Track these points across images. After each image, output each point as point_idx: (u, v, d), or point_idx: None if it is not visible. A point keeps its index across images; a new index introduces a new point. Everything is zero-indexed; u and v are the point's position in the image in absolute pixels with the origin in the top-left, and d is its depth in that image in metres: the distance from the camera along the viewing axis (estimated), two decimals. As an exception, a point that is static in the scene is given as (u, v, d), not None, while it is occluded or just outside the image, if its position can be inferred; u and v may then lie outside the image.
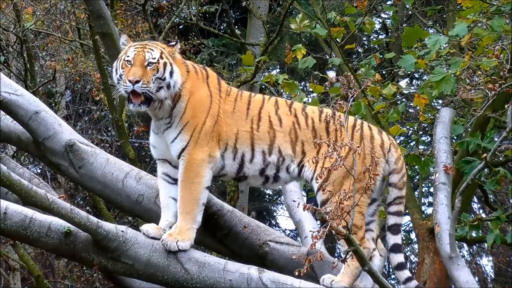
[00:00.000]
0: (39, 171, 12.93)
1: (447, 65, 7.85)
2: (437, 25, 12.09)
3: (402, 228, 5.32)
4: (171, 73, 5.00)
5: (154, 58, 4.98)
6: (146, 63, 4.96)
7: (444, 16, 11.82)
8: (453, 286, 5.89)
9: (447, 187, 6.13)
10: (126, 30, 10.96)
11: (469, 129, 8.21)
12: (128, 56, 5.01)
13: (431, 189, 13.92)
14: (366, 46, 14.11)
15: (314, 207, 4.14)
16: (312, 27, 8.44)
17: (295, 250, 5.38)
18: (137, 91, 4.92)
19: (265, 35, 10.53)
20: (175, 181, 5.09)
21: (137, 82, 4.91)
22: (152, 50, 5.02)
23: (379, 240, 5.29)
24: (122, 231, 4.91)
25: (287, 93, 8.73)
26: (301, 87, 13.51)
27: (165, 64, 4.99)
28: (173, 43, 5.21)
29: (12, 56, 11.06)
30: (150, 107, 5.05)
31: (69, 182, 11.99)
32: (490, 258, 16.29)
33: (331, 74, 13.81)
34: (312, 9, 9.06)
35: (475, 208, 15.58)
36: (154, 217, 5.23)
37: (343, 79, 4.79)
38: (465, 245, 14.26)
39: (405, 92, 10.34)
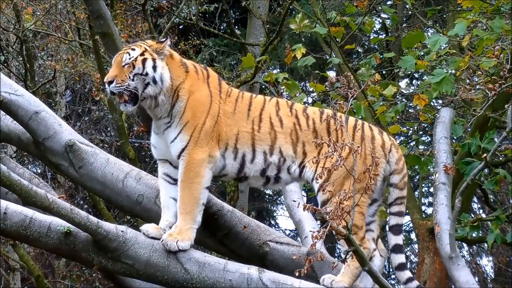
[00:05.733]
0: (39, 171, 12.93)
1: (446, 65, 7.85)
2: (437, 25, 12.09)
3: (403, 228, 5.31)
4: (154, 67, 4.99)
5: (132, 57, 4.98)
6: (123, 63, 4.97)
7: (444, 16, 11.82)
8: (453, 286, 5.89)
9: (447, 187, 6.13)
10: (126, 30, 10.96)
11: (469, 129, 8.22)
12: (113, 60, 5.07)
13: (431, 189, 13.93)
14: (366, 46, 14.11)
15: (314, 207, 4.15)
16: (312, 27, 8.44)
17: (295, 250, 5.38)
18: (113, 91, 4.94)
19: (265, 35, 10.50)
20: (175, 181, 5.09)
21: (111, 82, 4.94)
22: (133, 49, 5.03)
23: (379, 240, 5.29)
24: (122, 231, 4.91)
25: (287, 92, 8.72)
26: (301, 87, 13.49)
27: (144, 60, 4.98)
28: (163, 39, 5.21)
29: (12, 56, 11.06)
30: (146, 106, 5.06)
31: (69, 182, 11.99)
32: (490, 258, 16.29)
33: (331, 74, 13.81)
34: (311, 9, 9.05)
35: (475, 208, 15.59)
36: (154, 217, 5.22)
37: (343, 79, 4.80)
38: (465, 245, 14.26)
39: (405, 92, 10.34)
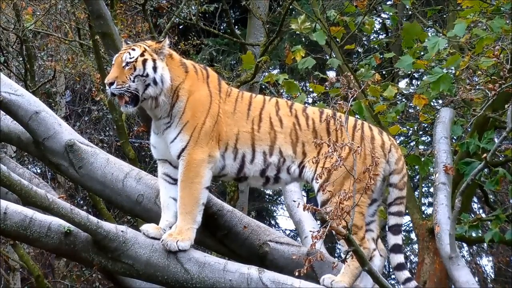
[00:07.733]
0: (39, 171, 12.93)
1: (446, 66, 7.85)
2: (437, 25, 12.08)
3: (402, 228, 5.31)
4: (155, 68, 4.99)
5: (132, 58, 4.97)
6: (123, 64, 4.97)
7: (444, 16, 11.82)
8: (453, 286, 5.89)
9: (447, 187, 6.14)
10: (126, 30, 10.97)
11: (469, 129, 8.22)
12: (113, 61, 5.05)
13: (431, 189, 13.93)
14: (366, 46, 14.11)
15: (314, 207, 4.15)
16: (312, 28, 8.42)
17: (295, 250, 5.38)
18: (113, 92, 4.94)
19: (265, 35, 10.51)
20: (175, 181, 5.09)
21: (111, 84, 4.94)
22: (133, 49, 5.02)
23: (379, 240, 5.29)
24: (122, 231, 4.91)
25: (288, 93, 8.72)
26: (301, 87, 13.48)
27: (145, 61, 4.97)
28: (162, 39, 5.21)
29: (12, 56, 11.06)
30: (146, 106, 5.06)
31: (69, 182, 11.99)
32: (490, 258, 16.29)
33: (331, 74, 13.81)
34: (311, 9, 9.04)
35: (475, 208, 15.60)
36: (154, 217, 5.23)
37: (343, 79, 4.80)
38: (465, 245, 14.27)
39: (405, 92, 10.34)
